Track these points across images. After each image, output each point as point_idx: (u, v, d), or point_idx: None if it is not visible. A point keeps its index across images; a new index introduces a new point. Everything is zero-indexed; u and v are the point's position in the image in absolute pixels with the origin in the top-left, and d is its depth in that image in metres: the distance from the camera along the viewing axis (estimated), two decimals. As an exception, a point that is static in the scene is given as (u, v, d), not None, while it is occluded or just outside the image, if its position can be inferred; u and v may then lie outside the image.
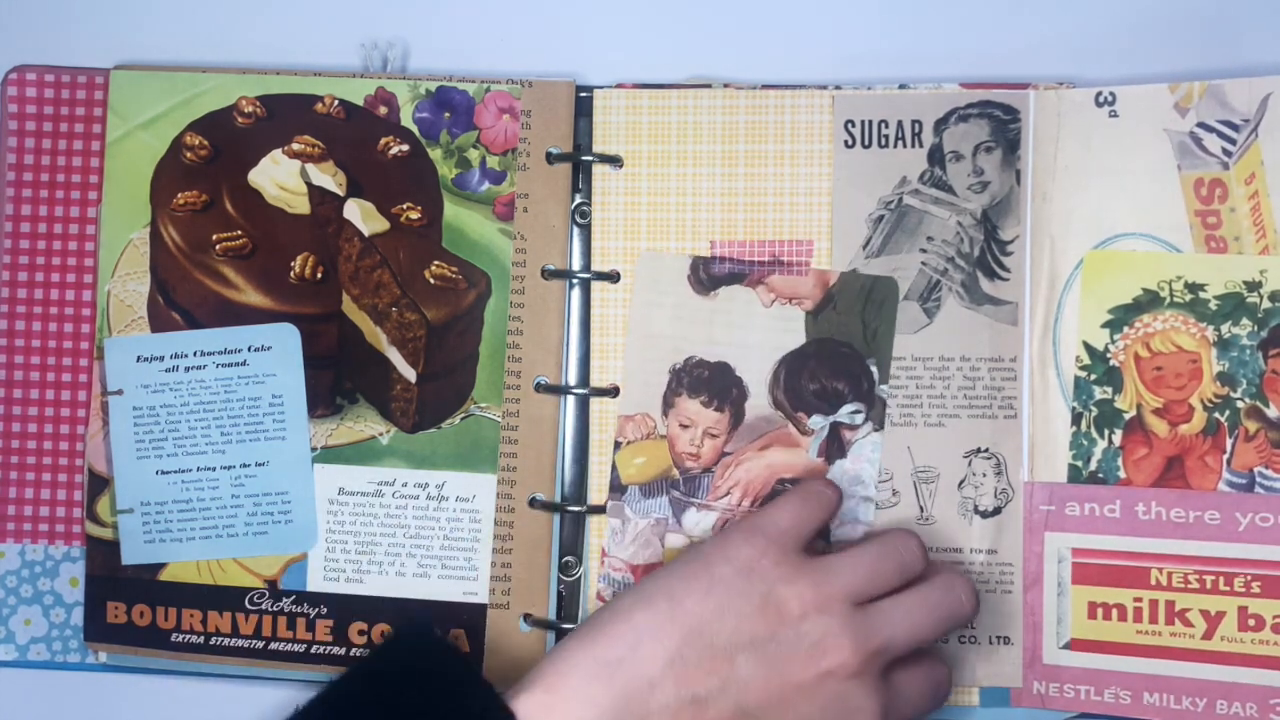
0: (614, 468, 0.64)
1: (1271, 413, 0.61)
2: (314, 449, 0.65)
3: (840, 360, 0.63)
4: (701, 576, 0.55)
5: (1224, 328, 0.62)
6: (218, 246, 0.65)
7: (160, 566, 0.65)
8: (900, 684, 0.56)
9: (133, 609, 0.65)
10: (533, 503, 0.64)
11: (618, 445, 0.64)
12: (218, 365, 0.65)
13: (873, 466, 0.63)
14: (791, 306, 0.63)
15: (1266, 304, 0.61)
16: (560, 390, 0.64)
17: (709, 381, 0.64)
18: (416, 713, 0.52)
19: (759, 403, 0.63)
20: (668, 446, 0.63)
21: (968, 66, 0.65)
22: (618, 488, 0.63)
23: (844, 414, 0.63)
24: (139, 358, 0.65)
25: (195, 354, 0.65)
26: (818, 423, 0.63)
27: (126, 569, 0.65)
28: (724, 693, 0.53)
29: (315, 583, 0.65)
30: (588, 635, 0.54)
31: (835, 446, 0.63)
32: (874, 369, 0.63)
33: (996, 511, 0.63)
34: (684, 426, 0.63)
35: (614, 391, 0.64)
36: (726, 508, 0.63)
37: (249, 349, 0.65)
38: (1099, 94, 0.63)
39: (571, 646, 0.54)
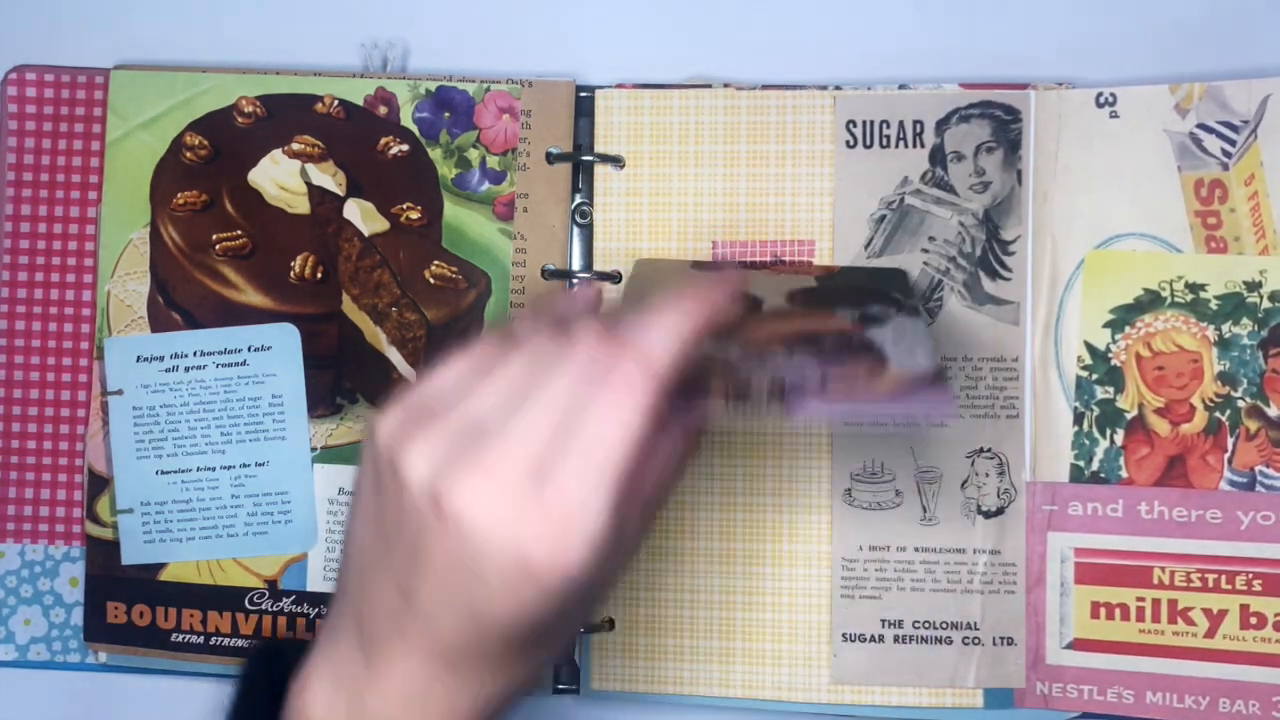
0: None
1: (1272, 412, 0.61)
2: (314, 449, 0.64)
3: (858, 290, 0.58)
4: None
5: (1224, 327, 0.62)
6: (218, 246, 0.65)
7: (160, 566, 0.65)
8: None
9: (133, 609, 0.65)
10: None
11: None
12: (218, 365, 0.65)
13: (919, 324, 0.55)
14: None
15: (1266, 304, 0.61)
16: (561, 390, 0.64)
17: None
18: None
19: (777, 302, 0.57)
20: None
21: (968, 67, 0.65)
22: None
23: (874, 310, 0.56)
24: (139, 358, 0.65)
25: (195, 354, 0.65)
26: (845, 313, 0.56)
27: (126, 569, 0.65)
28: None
29: (315, 583, 0.64)
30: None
31: (871, 319, 0.55)
32: (897, 296, 0.59)
33: (999, 511, 0.63)
34: None
35: (615, 392, 0.64)
36: (752, 345, 0.52)
37: (249, 349, 0.65)
38: (1099, 95, 0.63)
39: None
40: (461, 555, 0.40)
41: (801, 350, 0.52)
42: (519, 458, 0.41)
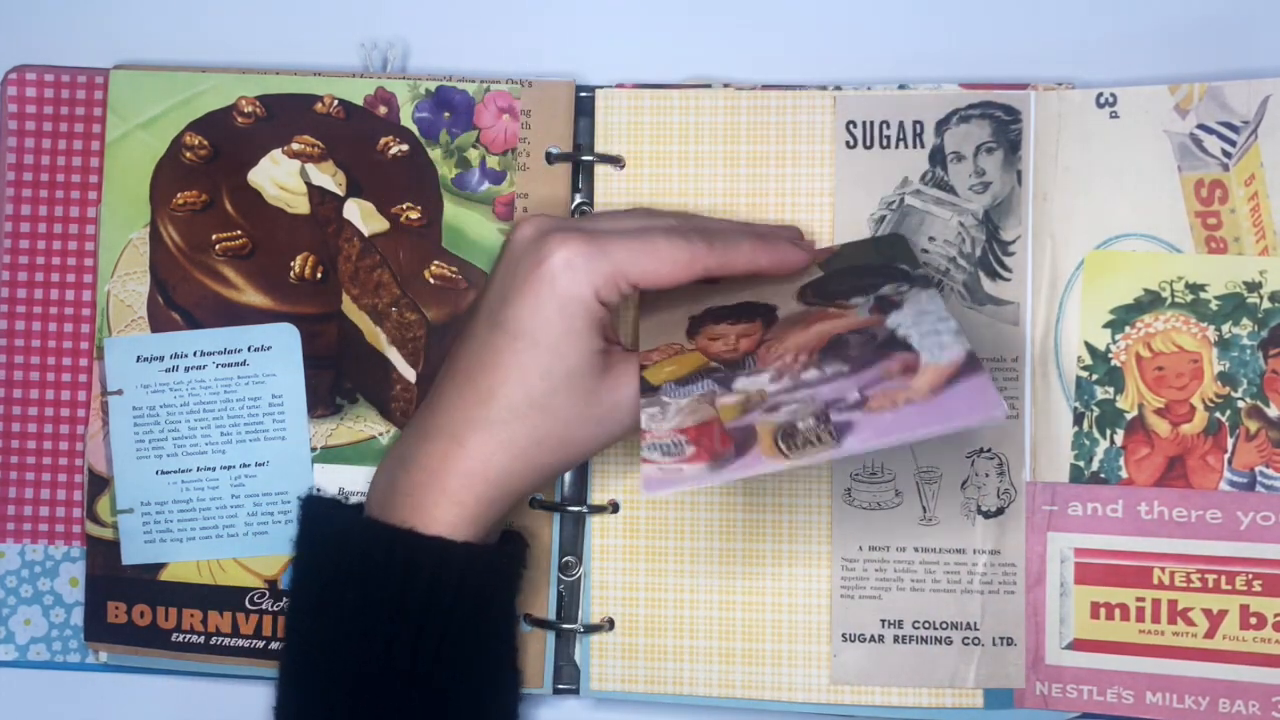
0: (642, 379, 0.56)
1: (1272, 412, 0.61)
2: (314, 449, 0.64)
3: (866, 270, 0.59)
4: None
5: (1225, 328, 0.62)
6: (217, 246, 0.65)
7: (160, 566, 0.65)
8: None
9: (133, 609, 0.65)
10: (533, 502, 0.64)
11: (643, 368, 0.57)
12: (217, 365, 0.65)
13: (936, 303, 0.55)
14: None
15: (1267, 304, 0.61)
16: (561, 390, 0.64)
17: (734, 310, 0.59)
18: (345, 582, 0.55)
19: (789, 309, 0.58)
20: (699, 353, 0.57)
21: (968, 67, 0.65)
22: (648, 389, 0.55)
23: (886, 289, 0.57)
24: (139, 358, 0.65)
25: (195, 354, 0.65)
26: (859, 301, 0.57)
27: (127, 569, 0.65)
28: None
29: (315, 583, 0.64)
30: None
31: (887, 305, 0.56)
32: (904, 267, 0.59)
33: (999, 512, 0.63)
34: (713, 339, 0.57)
35: (615, 391, 0.64)
36: (779, 365, 0.54)
37: (249, 349, 0.65)
38: (1100, 95, 0.63)
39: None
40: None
41: (830, 359, 0.53)
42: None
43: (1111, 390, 0.62)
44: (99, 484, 0.65)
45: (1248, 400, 0.61)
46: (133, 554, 0.65)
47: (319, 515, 0.61)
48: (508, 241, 0.58)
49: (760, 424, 0.51)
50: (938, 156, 0.63)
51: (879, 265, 0.60)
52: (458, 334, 0.60)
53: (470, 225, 0.65)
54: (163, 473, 0.64)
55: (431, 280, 0.64)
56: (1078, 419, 0.63)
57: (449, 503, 0.55)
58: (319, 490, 0.64)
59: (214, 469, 0.64)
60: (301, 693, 0.57)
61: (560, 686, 0.64)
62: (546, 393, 0.54)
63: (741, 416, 0.52)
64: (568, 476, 0.64)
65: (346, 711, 0.55)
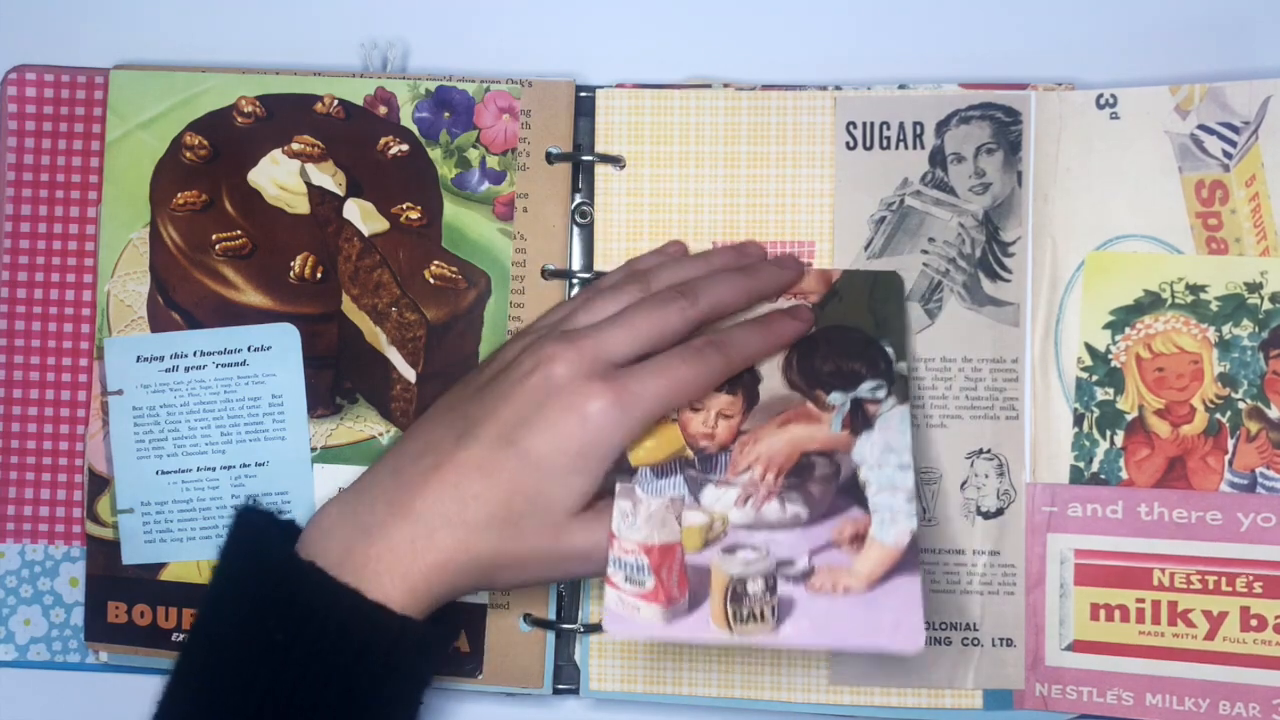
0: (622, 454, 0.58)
1: (1272, 413, 0.61)
2: (314, 449, 0.64)
3: (853, 343, 0.62)
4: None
5: (1225, 329, 0.62)
6: (217, 246, 0.65)
7: (161, 566, 0.65)
8: (630, 373, 0.57)
9: (133, 609, 0.65)
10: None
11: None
12: (217, 365, 0.65)
13: (903, 435, 0.59)
14: (797, 300, 0.63)
15: (1267, 305, 0.61)
16: (561, 391, 0.64)
17: None
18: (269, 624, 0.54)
19: (773, 384, 0.61)
20: (679, 429, 0.60)
21: (969, 68, 0.65)
22: (626, 470, 0.58)
23: (865, 390, 0.61)
24: (139, 358, 0.65)
25: (195, 354, 0.65)
26: (837, 399, 0.61)
27: (127, 569, 0.65)
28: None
29: (315, 583, 0.64)
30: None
31: (860, 420, 0.60)
32: (889, 349, 0.62)
33: (999, 513, 0.63)
34: (695, 410, 0.60)
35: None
36: (748, 482, 0.59)
37: (249, 349, 0.65)
38: (1100, 96, 0.63)
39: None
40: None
41: (792, 494, 0.59)
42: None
43: (1111, 391, 0.62)
44: (99, 484, 0.65)
45: (1248, 401, 0.61)
46: (133, 554, 0.65)
47: (256, 531, 0.59)
48: (534, 371, 0.56)
49: (715, 569, 0.56)
50: (938, 157, 0.63)
51: (864, 344, 0.62)
52: (439, 410, 0.59)
53: (470, 225, 0.65)
54: (163, 473, 0.64)
55: (431, 280, 0.64)
56: (1078, 420, 0.63)
57: (405, 586, 0.54)
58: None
59: (214, 469, 0.64)
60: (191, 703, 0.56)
61: (560, 686, 0.64)
62: (523, 514, 0.55)
63: (701, 550, 0.57)
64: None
65: None
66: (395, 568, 0.54)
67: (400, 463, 0.57)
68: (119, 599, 0.65)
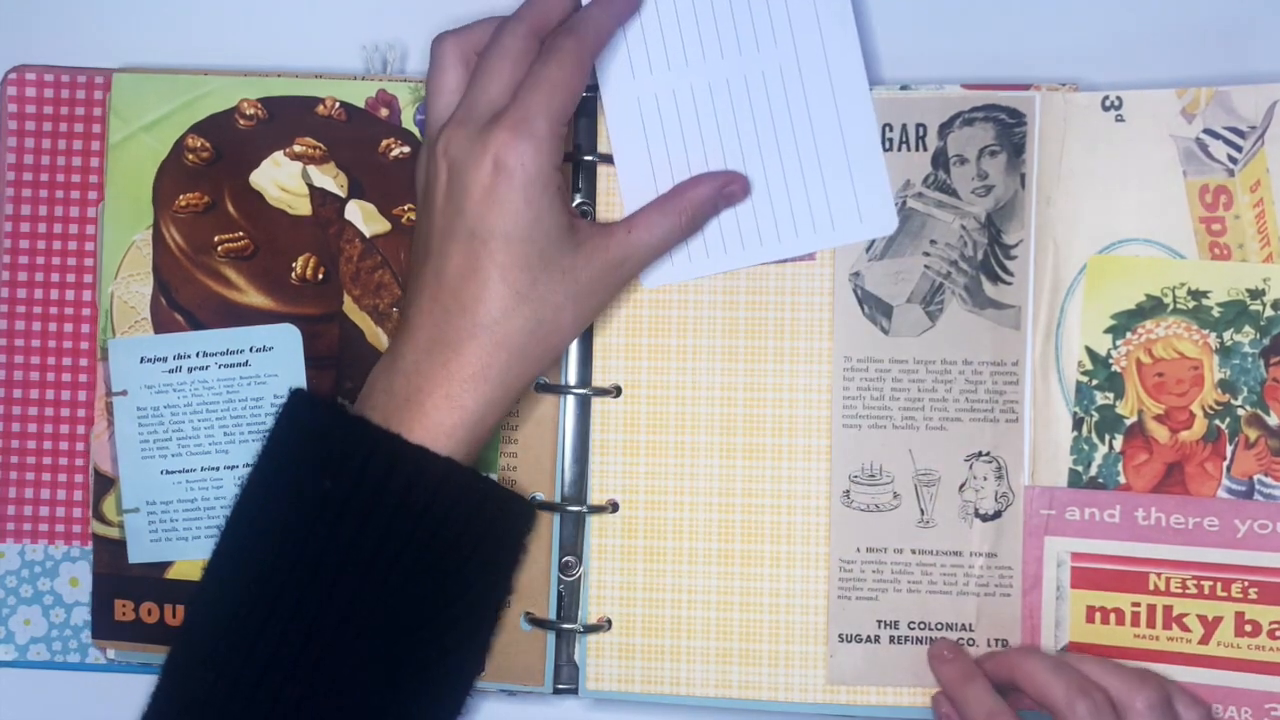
0: None
1: (1272, 421, 0.61)
2: (317, 449, 0.65)
3: None
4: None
5: (1226, 335, 0.61)
6: (219, 248, 0.65)
7: (167, 565, 0.65)
8: None
9: (140, 606, 0.66)
10: (533, 503, 0.64)
11: None
12: (220, 366, 0.65)
13: None
14: None
15: (1269, 312, 0.61)
16: (560, 390, 0.64)
17: None
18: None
19: None
20: None
21: (972, 70, 0.64)
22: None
23: None
24: (142, 359, 0.65)
25: (198, 355, 0.65)
26: None
27: (133, 567, 0.65)
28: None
29: (318, 583, 0.65)
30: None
31: None
32: None
33: (997, 515, 0.63)
34: None
35: (615, 391, 0.64)
36: None
37: (251, 350, 0.65)
38: (1105, 98, 0.62)
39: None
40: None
41: None
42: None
43: (1111, 396, 0.62)
44: (104, 484, 0.66)
45: (1248, 408, 0.61)
46: (139, 553, 0.65)
47: (305, 408, 0.60)
48: (433, 159, 0.58)
49: None
50: (940, 159, 0.63)
51: None
52: (413, 261, 0.60)
53: (472, 222, 0.65)
54: (168, 472, 0.65)
55: (433, 281, 0.65)
56: (1077, 424, 0.63)
57: (450, 406, 0.57)
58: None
59: (218, 469, 0.65)
60: (238, 567, 0.57)
61: (559, 686, 0.65)
62: (530, 283, 0.57)
63: None
64: (568, 476, 0.65)
65: (294, 595, 0.55)
66: (442, 395, 0.56)
67: (407, 313, 0.59)
68: (126, 597, 0.66)
